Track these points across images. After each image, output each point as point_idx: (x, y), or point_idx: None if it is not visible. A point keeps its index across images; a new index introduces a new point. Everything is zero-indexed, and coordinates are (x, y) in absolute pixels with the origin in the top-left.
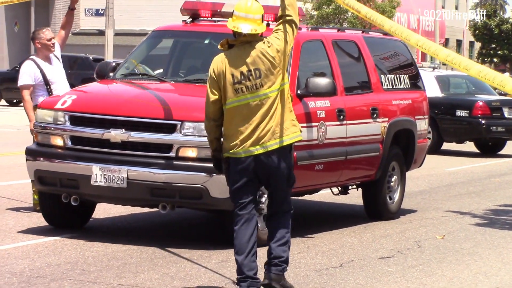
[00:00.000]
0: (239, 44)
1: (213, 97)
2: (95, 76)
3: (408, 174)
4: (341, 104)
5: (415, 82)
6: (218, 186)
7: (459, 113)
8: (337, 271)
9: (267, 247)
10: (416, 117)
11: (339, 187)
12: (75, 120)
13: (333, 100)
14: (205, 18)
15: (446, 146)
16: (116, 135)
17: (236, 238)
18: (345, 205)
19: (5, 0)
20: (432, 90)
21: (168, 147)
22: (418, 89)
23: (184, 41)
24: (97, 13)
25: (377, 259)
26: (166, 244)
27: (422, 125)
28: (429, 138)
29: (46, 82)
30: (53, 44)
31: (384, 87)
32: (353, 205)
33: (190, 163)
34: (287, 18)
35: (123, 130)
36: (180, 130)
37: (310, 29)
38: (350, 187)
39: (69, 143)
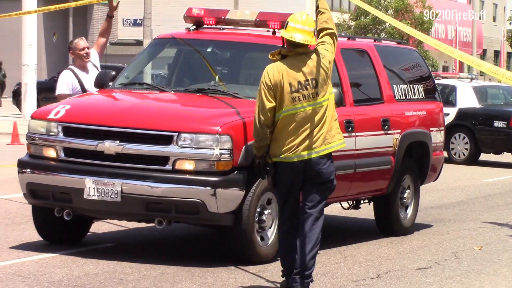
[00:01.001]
0: (294, 54)
1: (269, 105)
2: (94, 85)
3: (446, 185)
4: (349, 115)
5: (431, 93)
6: (216, 201)
7: (497, 124)
8: (374, 281)
9: (298, 255)
10: (431, 128)
11: (349, 201)
12: (68, 131)
13: (341, 111)
14: (209, 26)
15: (483, 157)
16: (110, 146)
17: (283, 237)
18: None
19: (42, 8)
20: (470, 101)
21: (164, 159)
22: (434, 100)
23: (186, 50)
24: (135, 23)
25: (415, 270)
26: (202, 253)
27: (438, 137)
28: (466, 149)
29: (84, 91)
30: (87, 53)
31: (396, 98)
32: None
33: (187, 176)
34: (329, 31)
35: (118, 141)
36: (176, 142)
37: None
38: (362, 202)
39: (62, 154)
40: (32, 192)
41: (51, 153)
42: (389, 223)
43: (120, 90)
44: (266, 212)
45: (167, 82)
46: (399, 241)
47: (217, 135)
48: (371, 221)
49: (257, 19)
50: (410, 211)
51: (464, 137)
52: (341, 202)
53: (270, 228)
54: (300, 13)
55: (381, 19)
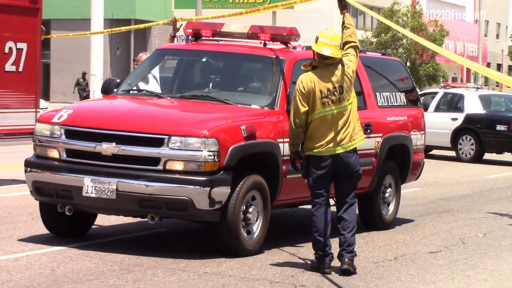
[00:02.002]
0: (323, 65)
1: (303, 109)
2: (100, 92)
3: (454, 180)
4: None
5: (413, 100)
6: (203, 198)
7: (499, 127)
8: (392, 263)
9: (341, 236)
10: (412, 132)
11: (334, 199)
12: (70, 134)
13: None
14: (207, 38)
15: (487, 156)
16: (107, 148)
17: (315, 222)
18: (399, 206)
19: (108, 30)
20: (476, 107)
21: (156, 160)
22: (416, 107)
23: (184, 59)
24: (187, 39)
25: (427, 253)
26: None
27: (419, 140)
28: (472, 149)
29: None
30: None
31: (379, 104)
32: (405, 206)
33: (177, 176)
34: (353, 44)
35: (114, 143)
36: (167, 144)
37: (305, 48)
38: None
39: (64, 155)
40: (37, 189)
41: (54, 154)
42: (371, 219)
43: (122, 96)
44: (251, 209)
45: (169, 89)
46: (413, 228)
47: (204, 138)
48: None
49: (249, 32)
50: (391, 207)
51: (470, 139)
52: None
53: (255, 223)
54: (328, 29)
55: (399, 37)
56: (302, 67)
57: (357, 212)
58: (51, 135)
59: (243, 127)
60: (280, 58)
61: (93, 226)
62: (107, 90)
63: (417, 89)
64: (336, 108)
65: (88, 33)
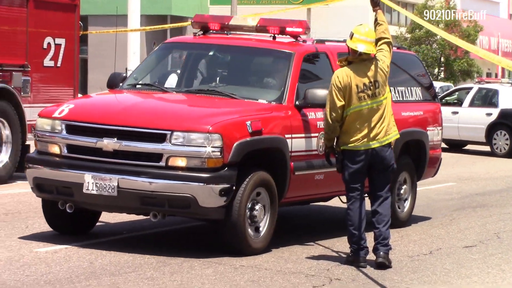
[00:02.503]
0: (358, 61)
1: (339, 103)
2: (106, 86)
3: (488, 175)
4: None
5: (428, 94)
6: (207, 196)
7: None
8: (427, 257)
9: (376, 229)
10: (428, 128)
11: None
12: (71, 129)
13: None
14: (215, 31)
15: None
16: (108, 144)
17: (350, 215)
18: (433, 201)
19: (145, 28)
20: (510, 102)
21: (158, 156)
22: (432, 101)
23: (191, 53)
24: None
25: (462, 247)
26: (281, 231)
27: (435, 135)
28: (507, 144)
29: None
30: None
31: (393, 99)
32: (440, 201)
33: (180, 172)
34: (386, 40)
35: (115, 139)
36: (170, 140)
37: (315, 42)
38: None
39: (65, 151)
40: (38, 186)
41: (55, 149)
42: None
43: (127, 91)
44: (257, 206)
45: (177, 83)
46: (448, 223)
47: (208, 134)
48: (423, 206)
49: (258, 25)
50: (407, 205)
51: (505, 134)
52: (340, 196)
53: (262, 221)
54: (363, 25)
55: (433, 32)
56: (337, 62)
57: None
58: (52, 130)
59: (249, 122)
60: (289, 51)
61: (124, 220)
62: (112, 84)
63: (451, 85)
64: (372, 102)
65: (129, 30)
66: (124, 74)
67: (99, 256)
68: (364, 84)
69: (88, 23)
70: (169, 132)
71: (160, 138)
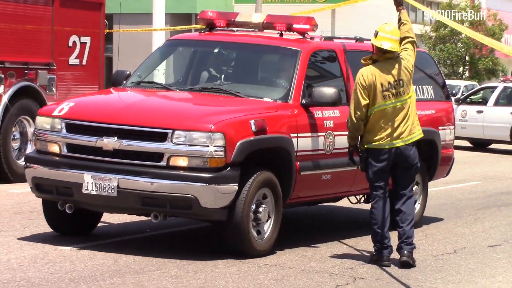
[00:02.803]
0: (383, 59)
1: (364, 102)
2: (111, 83)
3: None
4: None
5: (441, 93)
6: (208, 196)
7: None
8: (451, 256)
9: (400, 228)
10: (440, 127)
11: (357, 196)
12: (71, 128)
13: (343, 110)
14: (221, 28)
15: None
16: (108, 143)
17: (374, 214)
18: (458, 200)
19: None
20: None
21: (159, 156)
22: (443, 100)
23: (196, 50)
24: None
25: (486, 247)
26: (305, 229)
27: (447, 135)
28: None
29: None
30: None
31: None
32: (464, 200)
33: (181, 172)
34: (410, 39)
35: (116, 138)
36: (171, 139)
37: (323, 38)
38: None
39: (65, 150)
40: (37, 186)
41: (55, 148)
42: (394, 218)
43: (131, 88)
44: (261, 208)
45: (183, 81)
46: (473, 222)
47: (210, 133)
48: (448, 205)
49: (265, 22)
50: (418, 206)
51: None
52: (349, 197)
53: (266, 223)
54: (387, 24)
55: (458, 31)
56: (362, 61)
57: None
58: (52, 129)
59: (252, 121)
60: (296, 48)
61: (145, 218)
62: (116, 82)
63: (476, 83)
64: (396, 101)
65: (152, 29)
66: (128, 72)
67: (123, 254)
68: (389, 83)
69: (113, 22)
70: (171, 131)
71: (161, 137)
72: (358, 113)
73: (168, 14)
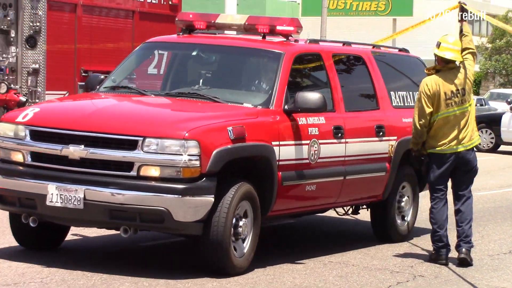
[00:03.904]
0: (446, 69)
1: (428, 110)
2: (84, 88)
3: None
4: (339, 121)
5: None
6: (182, 209)
7: None
8: (506, 256)
9: (459, 228)
10: None
11: (344, 208)
12: (35, 135)
13: (329, 116)
14: (201, 30)
15: None
16: (74, 151)
17: (434, 214)
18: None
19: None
20: None
21: (128, 165)
22: None
23: (174, 53)
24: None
25: None
26: (367, 229)
27: None
28: None
29: None
30: None
31: (393, 104)
32: None
33: (153, 183)
34: (471, 50)
35: (82, 146)
36: (142, 147)
37: (308, 41)
38: (360, 207)
39: (29, 159)
40: (0, 197)
41: (18, 157)
42: (385, 229)
43: (103, 93)
44: (241, 222)
45: (162, 86)
46: None
47: (184, 140)
48: (503, 207)
49: (246, 23)
50: (408, 217)
51: None
52: (335, 208)
53: (246, 237)
54: (449, 35)
55: None
56: (425, 71)
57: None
58: (15, 136)
59: (230, 128)
60: (278, 51)
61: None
62: (89, 87)
63: None
64: (458, 109)
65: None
66: (102, 76)
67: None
68: (452, 92)
69: None
70: (141, 138)
71: (131, 145)
72: (422, 120)
73: None
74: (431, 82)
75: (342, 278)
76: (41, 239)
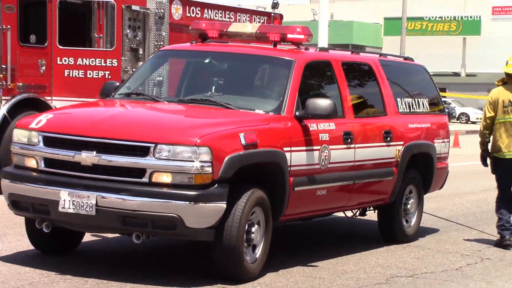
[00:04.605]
0: (510, 83)
1: (489, 115)
2: (99, 95)
3: None
4: (348, 127)
5: (436, 106)
6: (194, 215)
7: None
8: None
9: None
10: (435, 140)
11: (353, 211)
12: (48, 141)
13: (339, 122)
14: (213, 38)
15: None
16: (86, 157)
17: (499, 206)
18: None
19: None
20: None
21: (140, 171)
22: (439, 113)
23: (188, 61)
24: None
25: None
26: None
27: (442, 148)
28: None
29: None
30: None
31: (400, 111)
32: None
33: (165, 189)
34: None
35: (94, 152)
36: (153, 153)
37: (318, 49)
38: (367, 209)
39: (42, 165)
40: (14, 203)
41: (32, 163)
42: (392, 231)
43: (118, 100)
44: (254, 228)
45: (176, 93)
46: None
47: (195, 147)
48: None
49: (258, 32)
50: (414, 219)
51: None
52: (345, 212)
53: (258, 243)
54: None
55: None
56: (495, 83)
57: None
58: (29, 142)
59: (242, 134)
60: (289, 59)
61: None
62: (104, 94)
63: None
64: None
65: None
66: (118, 83)
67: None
68: (509, 101)
69: None
70: (153, 144)
71: (143, 152)
72: (484, 123)
73: (330, 44)
74: (494, 92)
75: (419, 259)
76: (57, 243)
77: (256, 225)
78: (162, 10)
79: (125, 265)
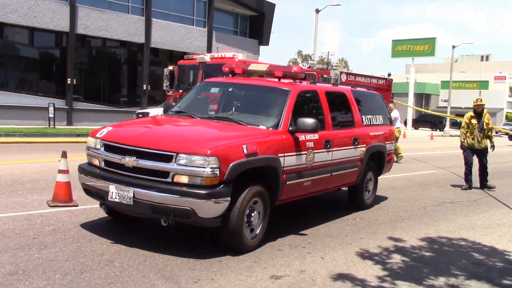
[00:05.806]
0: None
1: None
2: (162, 112)
3: None
4: (328, 136)
5: (385, 120)
6: (204, 209)
7: None
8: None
9: None
10: (386, 142)
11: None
12: (106, 147)
13: (321, 134)
14: (239, 74)
15: None
16: (128, 161)
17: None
18: None
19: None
20: None
21: (165, 173)
22: (387, 125)
23: (221, 89)
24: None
25: None
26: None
27: (390, 147)
28: None
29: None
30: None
31: (364, 124)
32: None
33: (183, 188)
34: None
35: (134, 157)
36: (175, 160)
37: (309, 83)
38: (340, 189)
39: (102, 164)
40: (85, 190)
41: (96, 162)
42: (357, 202)
43: (168, 116)
44: (254, 213)
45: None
46: None
47: (206, 157)
48: None
49: (267, 70)
50: (371, 193)
51: None
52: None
53: (257, 224)
54: None
55: None
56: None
57: None
58: (95, 147)
59: (245, 146)
60: (287, 89)
61: None
62: (165, 111)
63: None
64: None
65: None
66: (174, 104)
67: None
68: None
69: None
70: (175, 154)
71: (168, 159)
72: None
73: (415, 93)
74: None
75: (373, 213)
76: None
77: (255, 211)
78: (336, 77)
79: (157, 239)
